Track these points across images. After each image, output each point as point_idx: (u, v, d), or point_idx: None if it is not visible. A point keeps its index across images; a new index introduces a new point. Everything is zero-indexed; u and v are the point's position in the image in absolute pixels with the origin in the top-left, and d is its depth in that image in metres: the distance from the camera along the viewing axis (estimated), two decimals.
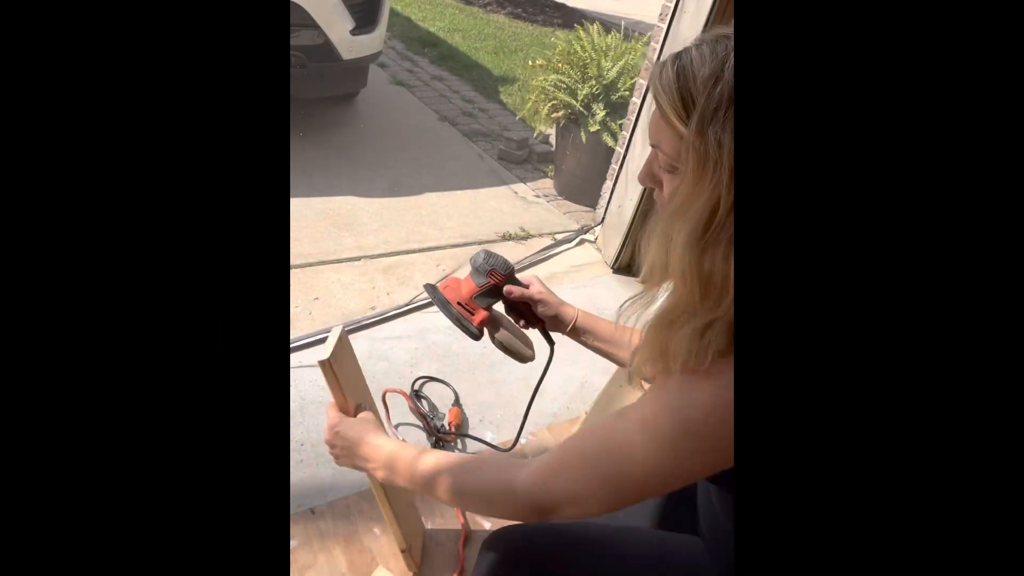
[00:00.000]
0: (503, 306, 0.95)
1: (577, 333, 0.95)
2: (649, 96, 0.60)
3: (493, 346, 0.95)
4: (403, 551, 1.12)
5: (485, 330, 0.93)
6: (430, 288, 0.92)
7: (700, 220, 0.52)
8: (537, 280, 0.95)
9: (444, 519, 1.26)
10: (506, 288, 0.91)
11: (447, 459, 0.71)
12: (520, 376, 1.66)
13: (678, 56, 0.55)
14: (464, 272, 0.94)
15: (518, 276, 0.95)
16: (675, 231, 0.54)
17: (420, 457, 0.72)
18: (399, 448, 0.75)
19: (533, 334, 0.97)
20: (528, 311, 0.94)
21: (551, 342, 0.96)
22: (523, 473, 0.64)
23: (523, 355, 0.96)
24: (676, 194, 0.55)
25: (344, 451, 0.79)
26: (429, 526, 1.23)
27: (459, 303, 0.90)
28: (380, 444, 0.76)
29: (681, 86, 0.53)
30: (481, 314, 0.91)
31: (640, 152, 2.10)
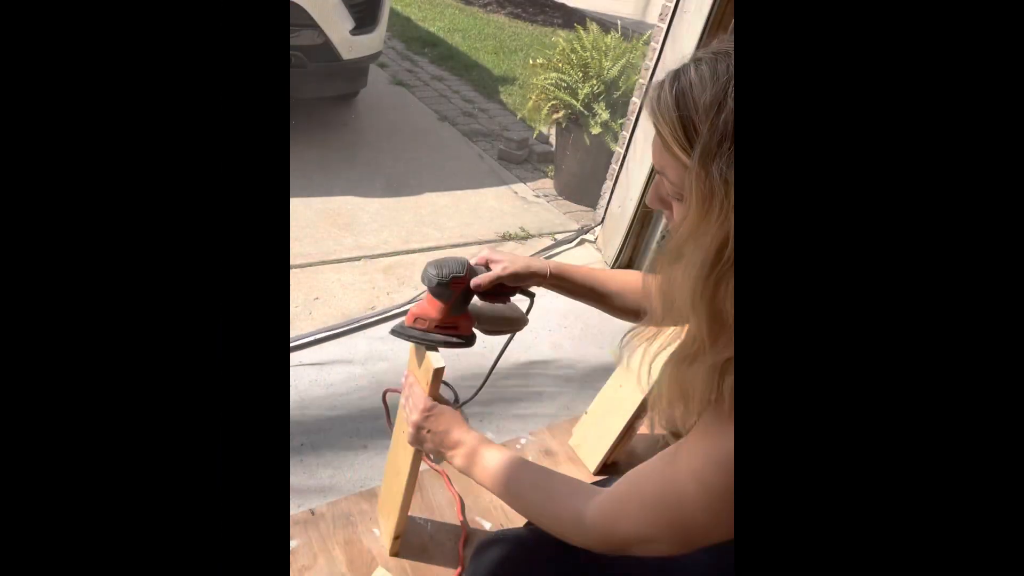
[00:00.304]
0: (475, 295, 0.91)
1: (554, 286, 0.93)
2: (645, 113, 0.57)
3: (492, 346, 0.95)
4: (397, 537, 1.13)
5: (475, 330, 0.91)
6: (398, 332, 0.88)
7: (708, 255, 0.50)
8: (493, 252, 0.90)
9: (444, 519, 1.26)
10: (473, 283, 0.86)
11: (521, 469, 0.73)
12: (520, 376, 1.66)
13: (676, 78, 0.52)
14: (421, 294, 0.92)
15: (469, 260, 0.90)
16: (684, 261, 0.53)
17: (499, 459, 0.75)
18: (484, 446, 0.78)
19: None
20: (501, 287, 0.90)
21: (531, 295, 0.94)
22: (591, 507, 0.64)
23: (515, 328, 0.96)
24: (683, 224, 0.53)
25: (431, 434, 0.82)
26: (429, 526, 1.23)
27: (437, 327, 0.87)
28: (469, 439, 0.79)
29: (682, 114, 0.51)
30: (462, 323, 0.88)
31: (641, 151, 2.10)
